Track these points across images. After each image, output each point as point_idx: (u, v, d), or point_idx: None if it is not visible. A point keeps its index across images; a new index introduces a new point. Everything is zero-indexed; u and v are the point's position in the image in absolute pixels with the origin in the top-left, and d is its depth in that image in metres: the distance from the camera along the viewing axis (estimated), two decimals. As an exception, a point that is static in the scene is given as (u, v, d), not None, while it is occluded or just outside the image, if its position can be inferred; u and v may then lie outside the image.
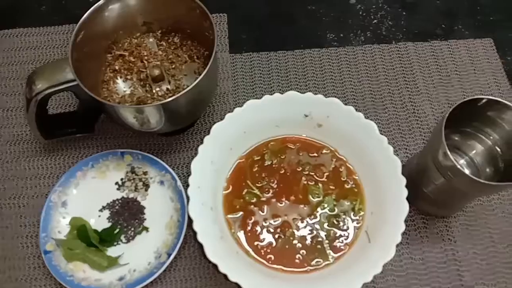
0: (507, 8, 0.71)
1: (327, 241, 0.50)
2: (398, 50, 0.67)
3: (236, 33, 0.69)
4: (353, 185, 0.53)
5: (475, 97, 0.46)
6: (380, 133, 0.52)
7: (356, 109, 0.53)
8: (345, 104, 0.53)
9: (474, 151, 0.53)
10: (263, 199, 0.53)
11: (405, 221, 0.46)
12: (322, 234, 0.51)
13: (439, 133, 0.45)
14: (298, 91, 0.54)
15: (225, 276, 0.44)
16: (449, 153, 0.44)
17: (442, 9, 0.71)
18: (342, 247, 0.50)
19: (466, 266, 0.53)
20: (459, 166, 0.43)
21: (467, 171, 0.49)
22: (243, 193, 0.53)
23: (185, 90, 0.47)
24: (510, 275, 0.52)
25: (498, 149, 0.50)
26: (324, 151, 0.55)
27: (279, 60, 0.67)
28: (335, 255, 0.50)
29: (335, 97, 0.54)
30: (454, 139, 0.53)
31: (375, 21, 0.70)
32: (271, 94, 0.54)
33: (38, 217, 0.55)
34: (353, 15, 0.71)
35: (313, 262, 0.49)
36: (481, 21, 0.70)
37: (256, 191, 0.53)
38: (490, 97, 0.46)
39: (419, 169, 0.53)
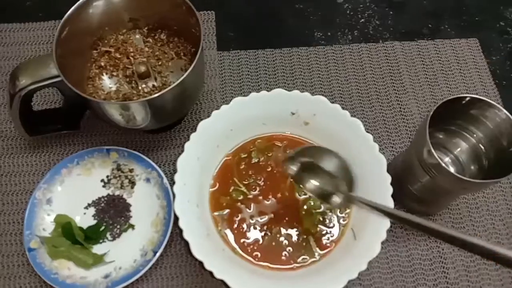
0: (492, 8, 0.72)
1: (313, 239, 0.51)
2: (385, 49, 0.68)
3: (224, 30, 0.68)
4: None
5: (459, 95, 0.47)
6: (366, 131, 0.52)
7: (343, 108, 0.53)
8: (333, 102, 0.53)
9: (458, 149, 0.53)
10: (250, 196, 0.52)
11: (392, 221, 0.47)
12: (309, 232, 0.51)
13: (424, 131, 0.45)
14: (286, 89, 0.54)
15: (211, 273, 0.44)
16: (433, 151, 0.44)
17: (429, 9, 0.72)
18: (328, 244, 0.50)
19: (451, 263, 0.54)
20: (443, 164, 0.44)
21: (451, 169, 0.49)
22: (230, 190, 0.53)
23: (171, 86, 0.47)
24: (494, 271, 0.53)
25: (482, 147, 0.50)
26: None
27: (266, 58, 0.67)
28: (321, 252, 0.50)
29: (322, 95, 0.54)
30: (438, 137, 0.53)
31: (363, 20, 0.71)
32: (259, 92, 0.54)
33: (22, 214, 0.54)
34: (341, 14, 0.71)
35: (299, 259, 0.49)
36: (467, 21, 0.71)
37: (243, 189, 0.53)
38: (474, 96, 0.47)
39: (404, 167, 0.53)
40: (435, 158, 0.44)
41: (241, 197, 0.52)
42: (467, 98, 0.47)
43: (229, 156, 0.55)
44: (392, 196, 0.48)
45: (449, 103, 0.46)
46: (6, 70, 0.64)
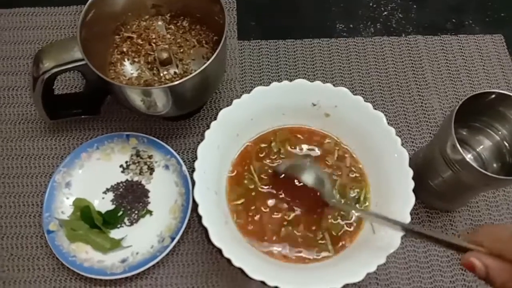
0: (518, 4, 0.71)
1: (331, 232, 0.50)
2: (407, 43, 0.67)
3: (245, 20, 0.68)
4: (359, 176, 0.53)
5: (485, 90, 0.46)
6: (388, 125, 0.51)
7: (364, 100, 0.53)
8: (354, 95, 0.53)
9: (481, 146, 0.52)
10: (264, 188, 0.52)
11: (410, 214, 0.46)
12: (327, 224, 0.51)
13: (449, 126, 0.44)
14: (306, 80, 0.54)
15: (228, 261, 0.44)
16: (458, 145, 0.43)
17: (452, 4, 0.71)
18: (346, 238, 0.50)
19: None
20: (467, 159, 0.43)
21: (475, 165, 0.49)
22: (245, 179, 0.53)
23: (193, 74, 0.47)
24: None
25: (506, 144, 0.50)
26: (327, 140, 0.55)
27: (287, 48, 0.66)
28: (338, 245, 0.49)
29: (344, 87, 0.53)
30: (462, 133, 0.52)
31: (385, 13, 0.70)
32: (279, 82, 0.54)
33: (42, 197, 0.54)
34: (363, 6, 0.70)
35: (316, 251, 0.49)
36: (492, 17, 0.70)
37: (255, 179, 0.52)
38: (501, 91, 0.46)
39: (425, 162, 0.52)
40: (459, 153, 0.43)
41: (252, 186, 0.52)
42: (494, 94, 0.46)
43: (250, 143, 0.54)
44: (413, 190, 0.47)
45: (474, 99, 0.45)
46: (28, 54, 0.64)
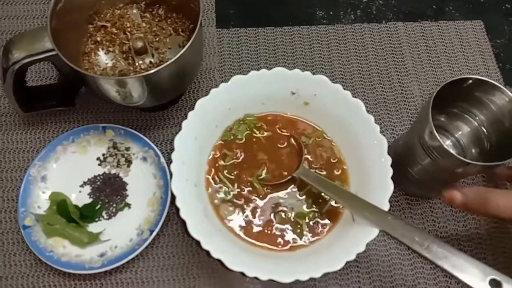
0: (498, -10, 0.71)
1: (310, 220, 0.50)
2: (388, 30, 0.66)
3: (224, 8, 0.67)
4: (338, 164, 0.53)
5: (463, 76, 0.46)
6: (367, 113, 0.51)
7: (344, 88, 0.52)
8: (334, 83, 0.52)
9: (460, 132, 0.52)
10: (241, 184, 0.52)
11: (390, 201, 0.46)
12: (305, 213, 0.50)
13: (426, 112, 0.44)
14: (286, 68, 0.53)
15: (207, 253, 0.44)
16: (435, 132, 0.43)
17: (434, -10, 0.70)
18: (325, 226, 0.50)
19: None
20: (445, 146, 0.43)
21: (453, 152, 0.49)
22: (219, 176, 0.52)
23: (168, 62, 0.46)
24: (493, 255, 0.53)
25: (484, 130, 0.50)
26: (307, 128, 0.55)
27: (267, 36, 0.65)
28: (318, 234, 0.49)
29: (324, 75, 0.53)
30: (440, 120, 0.52)
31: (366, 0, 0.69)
32: (258, 71, 0.53)
33: (17, 191, 0.53)
34: (344, -8, 0.69)
35: (296, 241, 0.49)
36: (472, 3, 0.70)
37: (227, 183, 0.52)
38: (478, 77, 0.46)
39: (405, 149, 0.52)
40: (437, 140, 0.43)
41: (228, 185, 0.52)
42: (471, 80, 0.46)
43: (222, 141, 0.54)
44: (392, 178, 0.47)
45: (452, 85, 0.45)
46: (-1, 44, 0.63)
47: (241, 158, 0.53)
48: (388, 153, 0.48)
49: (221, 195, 0.51)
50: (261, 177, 0.52)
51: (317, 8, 0.68)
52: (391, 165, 0.48)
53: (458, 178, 0.54)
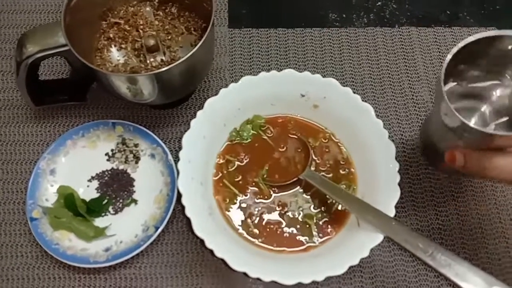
0: (514, -3, 0.70)
1: (315, 223, 0.50)
2: (400, 35, 0.66)
3: (236, 7, 0.67)
4: (346, 167, 0.53)
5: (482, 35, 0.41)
6: (377, 117, 0.51)
7: (354, 92, 0.52)
8: (344, 86, 0.52)
9: (489, 97, 0.48)
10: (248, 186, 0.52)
11: (396, 207, 0.46)
12: (311, 215, 0.50)
13: (440, 93, 0.41)
14: (296, 70, 0.53)
15: (211, 252, 0.44)
16: (454, 112, 0.40)
17: (448, -5, 0.70)
18: (330, 229, 0.50)
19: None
20: (466, 122, 0.40)
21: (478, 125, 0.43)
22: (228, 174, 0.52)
23: (179, 61, 0.46)
24: (500, 266, 0.53)
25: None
26: (316, 131, 0.55)
27: (278, 37, 0.65)
28: (323, 237, 0.49)
29: (334, 78, 0.53)
30: (461, 85, 0.48)
31: (379, 3, 0.69)
32: (268, 72, 0.53)
33: (26, 184, 0.54)
34: (357, -5, 0.69)
35: (300, 243, 0.49)
36: (487, 9, 0.69)
37: (232, 187, 0.52)
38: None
39: (433, 128, 0.50)
40: (457, 119, 0.40)
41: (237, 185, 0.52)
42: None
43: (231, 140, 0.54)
44: (428, 160, 0.46)
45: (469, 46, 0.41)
46: (13, 38, 0.63)
47: (247, 160, 0.53)
48: (421, 136, 0.47)
49: (228, 196, 0.51)
50: (267, 178, 0.52)
51: (330, 11, 0.68)
52: (424, 143, 0.46)
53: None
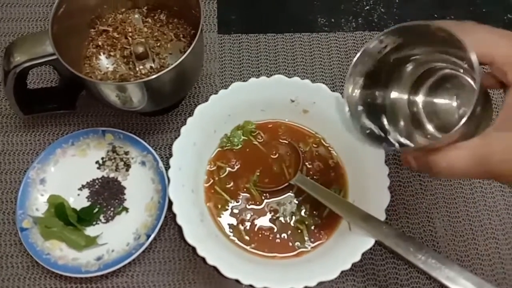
0: (500, 0, 0.71)
1: (307, 228, 0.50)
2: (389, 38, 0.66)
3: (226, 13, 0.67)
4: (336, 172, 0.53)
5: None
6: (366, 121, 0.51)
7: (343, 97, 0.52)
8: (333, 91, 0.53)
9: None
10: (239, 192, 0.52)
11: (387, 211, 0.46)
12: (303, 220, 0.50)
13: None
14: (286, 75, 0.53)
15: (203, 259, 0.44)
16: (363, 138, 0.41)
17: (435, -1, 0.70)
18: (322, 235, 0.50)
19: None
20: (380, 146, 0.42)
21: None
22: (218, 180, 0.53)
23: (169, 68, 0.46)
24: (490, 267, 0.53)
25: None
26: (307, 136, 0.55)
27: (268, 43, 0.65)
28: (315, 242, 0.49)
29: (324, 83, 0.53)
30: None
31: (367, 7, 0.69)
32: (258, 77, 0.53)
33: (16, 193, 0.53)
34: (346, 0, 0.69)
35: (292, 249, 0.49)
36: (474, 12, 0.70)
37: (223, 193, 0.52)
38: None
39: None
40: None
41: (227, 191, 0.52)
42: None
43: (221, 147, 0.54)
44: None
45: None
46: (1, 46, 0.63)
47: (237, 167, 0.53)
48: None
49: (219, 202, 0.51)
50: (258, 183, 0.52)
51: (318, 16, 0.68)
52: None
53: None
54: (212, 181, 0.52)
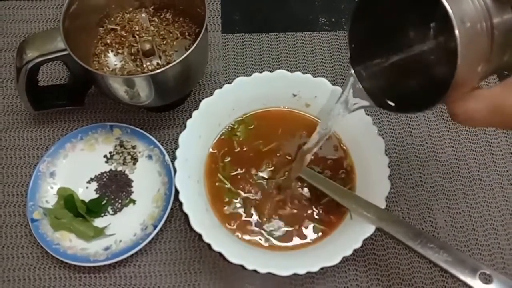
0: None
1: (312, 219, 0.51)
2: (388, 37, 0.68)
3: (230, 13, 0.69)
4: (347, 168, 0.54)
5: None
6: (366, 114, 0.53)
7: (344, 91, 0.54)
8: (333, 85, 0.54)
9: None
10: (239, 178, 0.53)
11: (389, 201, 0.48)
12: (308, 211, 0.52)
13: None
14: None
15: (209, 246, 0.45)
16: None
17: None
18: (328, 226, 0.51)
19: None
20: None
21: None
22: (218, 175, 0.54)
23: (175, 63, 0.48)
24: (490, 256, 0.54)
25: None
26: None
27: (270, 42, 0.67)
28: (320, 234, 0.50)
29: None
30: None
31: (367, 7, 0.71)
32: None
33: (26, 187, 0.55)
34: (346, 0, 0.71)
35: (297, 239, 0.50)
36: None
37: (224, 180, 0.53)
38: None
39: None
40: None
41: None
42: None
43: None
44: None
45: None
46: (12, 46, 0.65)
47: (241, 155, 0.54)
48: None
49: (223, 193, 0.52)
50: (262, 174, 0.53)
51: (319, 15, 0.70)
52: None
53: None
54: (214, 168, 0.53)
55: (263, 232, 0.50)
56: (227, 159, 0.54)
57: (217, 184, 0.52)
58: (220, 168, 0.53)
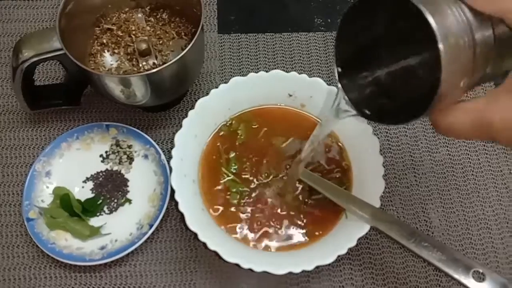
0: None
1: (307, 218, 0.51)
2: (383, 37, 0.68)
3: (226, 14, 0.69)
4: (343, 167, 0.54)
5: None
6: (361, 114, 0.53)
7: (339, 91, 0.54)
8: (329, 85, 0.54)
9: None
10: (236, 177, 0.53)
11: (383, 200, 0.48)
12: (303, 212, 0.52)
13: None
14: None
15: (204, 245, 0.46)
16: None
17: None
18: (323, 225, 0.51)
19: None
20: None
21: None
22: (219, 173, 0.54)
23: (171, 62, 0.48)
24: (484, 255, 0.54)
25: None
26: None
27: (266, 42, 0.67)
28: (315, 233, 0.50)
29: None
30: None
31: (363, 8, 0.71)
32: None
33: (22, 186, 0.55)
34: (342, 1, 0.72)
35: (292, 238, 0.50)
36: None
37: (227, 173, 0.53)
38: None
39: None
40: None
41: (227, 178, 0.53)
42: None
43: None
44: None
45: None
46: (8, 46, 0.65)
47: (239, 156, 0.54)
48: None
49: (219, 192, 0.52)
50: (260, 174, 0.53)
51: (315, 16, 0.70)
52: None
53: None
54: (212, 166, 0.53)
55: (259, 231, 0.50)
56: (223, 158, 0.54)
57: (216, 185, 0.53)
58: (218, 167, 0.53)
